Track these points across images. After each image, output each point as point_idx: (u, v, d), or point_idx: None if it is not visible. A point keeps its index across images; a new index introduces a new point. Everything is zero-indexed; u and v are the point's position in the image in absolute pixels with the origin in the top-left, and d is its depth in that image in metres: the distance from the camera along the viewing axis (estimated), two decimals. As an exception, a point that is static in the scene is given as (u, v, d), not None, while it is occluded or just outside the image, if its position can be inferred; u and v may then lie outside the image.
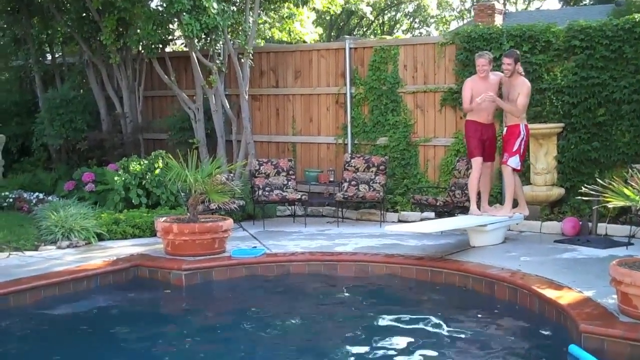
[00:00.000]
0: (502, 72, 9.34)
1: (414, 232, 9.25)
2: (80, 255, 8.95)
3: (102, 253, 9.03)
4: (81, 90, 14.47)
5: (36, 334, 6.85)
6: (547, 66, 10.58)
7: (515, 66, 9.18)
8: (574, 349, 5.78)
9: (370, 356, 6.04)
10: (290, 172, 11.45)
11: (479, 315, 7.16)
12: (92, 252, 9.09)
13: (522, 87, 9.19)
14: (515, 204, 9.54)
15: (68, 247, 9.36)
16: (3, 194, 11.97)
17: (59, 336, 6.79)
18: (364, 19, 35.71)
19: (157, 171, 11.15)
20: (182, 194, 10.12)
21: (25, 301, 7.49)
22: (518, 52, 9.53)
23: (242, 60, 12.37)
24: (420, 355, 6.03)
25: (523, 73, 9.40)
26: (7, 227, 9.97)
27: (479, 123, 9.42)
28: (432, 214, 10.77)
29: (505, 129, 9.40)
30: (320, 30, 23.35)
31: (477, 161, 9.42)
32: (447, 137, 11.48)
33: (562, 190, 10.35)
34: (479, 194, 9.53)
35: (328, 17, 19.34)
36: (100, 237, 9.75)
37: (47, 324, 7.15)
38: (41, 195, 12.03)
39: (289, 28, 15.37)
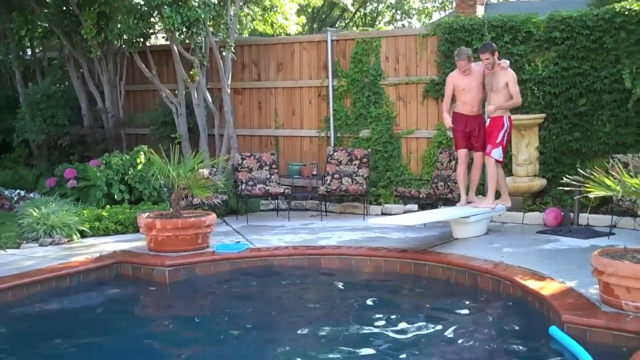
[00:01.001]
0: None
1: (397, 224, 9.26)
2: (62, 252, 8.90)
3: (85, 250, 8.98)
4: (62, 85, 14.37)
5: (18, 332, 6.81)
6: (528, 57, 10.61)
7: (493, 58, 9.19)
8: (554, 330, 5.82)
9: (354, 350, 6.04)
10: (273, 166, 11.43)
11: (462, 307, 7.19)
12: (74, 249, 9.04)
13: (507, 76, 9.22)
14: (497, 196, 9.57)
15: (50, 244, 9.30)
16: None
17: (41, 334, 6.75)
18: (346, 11, 35.65)
19: (140, 166, 11.11)
20: (165, 189, 10.09)
21: (7, 299, 7.43)
22: (492, 43, 9.55)
23: (224, 53, 12.32)
24: (403, 347, 6.04)
25: (503, 61, 9.41)
26: (-11, 223, 9.91)
27: (463, 115, 9.45)
28: (415, 207, 10.80)
29: (488, 120, 9.42)
30: (303, 19, 23.31)
31: (460, 153, 9.49)
32: (430, 129, 11.49)
33: (544, 181, 10.40)
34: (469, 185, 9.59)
35: (310, 9, 19.31)
36: (82, 234, 9.70)
37: (29, 323, 7.11)
38: (22, 192, 11.98)
39: (272, 20, 15.33)
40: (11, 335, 6.76)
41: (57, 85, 14.17)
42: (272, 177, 11.32)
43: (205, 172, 9.36)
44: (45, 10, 13.54)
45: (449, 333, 6.39)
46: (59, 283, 7.97)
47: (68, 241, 9.46)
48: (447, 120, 9.48)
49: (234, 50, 12.40)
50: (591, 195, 6.31)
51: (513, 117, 9.67)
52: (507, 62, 9.43)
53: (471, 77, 9.36)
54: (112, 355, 6.21)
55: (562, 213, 9.79)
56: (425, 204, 10.56)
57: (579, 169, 7.21)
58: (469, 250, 8.33)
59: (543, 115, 10.41)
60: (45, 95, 13.43)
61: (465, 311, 7.10)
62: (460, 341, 6.19)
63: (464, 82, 9.36)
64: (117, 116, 13.57)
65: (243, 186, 11.01)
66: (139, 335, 6.69)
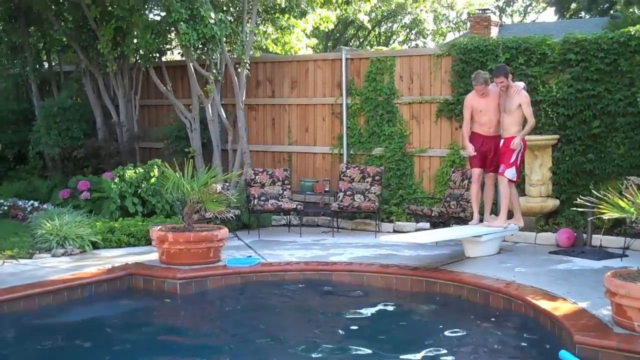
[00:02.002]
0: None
1: (409, 242, 9.26)
2: (74, 263, 8.93)
3: (97, 261, 9.01)
4: (78, 99, 14.48)
5: (30, 342, 6.83)
6: (542, 78, 10.63)
7: (508, 80, 9.23)
8: (564, 354, 5.79)
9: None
10: (286, 182, 11.46)
11: (474, 326, 7.17)
12: (86, 261, 9.07)
13: (521, 98, 9.23)
14: (510, 215, 9.56)
15: (63, 255, 9.33)
16: (-2, 201, 11.97)
17: (52, 344, 6.77)
18: (361, 29, 35.80)
19: (153, 180, 11.16)
20: (178, 202, 10.13)
21: (20, 309, 7.46)
22: (506, 65, 9.58)
23: (239, 70, 12.39)
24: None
25: (517, 84, 9.43)
26: (2, 235, 9.96)
27: (480, 135, 9.47)
28: (427, 225, 10.79)
29: (502, 140, 9.42)
30: (315, 41, 23.37)
31: (474, 172, 9.51)
32: (443, 148, 11.50)
33: (556, 202, 10.38)
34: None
35: (324, 29, 19.42)
36: (95, 246, 9.74)
37: (41, 333, 7.13)
38: (36, 204, 12.04)
39: (284, 41, 15.41)
40: (21, 345, 6.78)
41: (73, 98, 14.26)
42: (285, 192, 11.35)
43: (218, 186, 9.38)
44: (63, 25, 13.67)
45: (459, 352, 6.38)
46: (70, 294, 7.99)
47: (80, 252, 9.50)
48: (470, 149, 9.48)
49: (248, 67, 12.48)
50: (604, 217, 6.30)
51: (526, 137, 9.66)
52: (522, 84, 9.45)
53: (488, 98, 9.38)
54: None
55: (575, 234, 9.76)
56: (438, 222, 10.56)
57: (592, 191, 7.20)
58: (480, 269, 8.31)
59: (557, 136, 10.41)
60: (62, 108, 13.54)
61: (477, 330, 7.08)
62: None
63: (482, 104, 9.39)
64: (131, 130, 13.66)
65: (255, 201, 11.04)
66: (149, 347, 6.71)
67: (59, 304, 7.78)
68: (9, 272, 8.47)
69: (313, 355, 6.40)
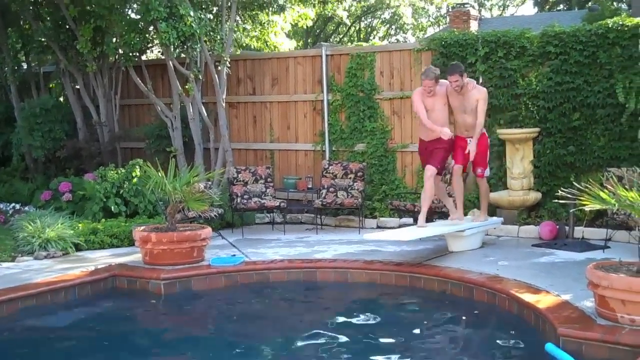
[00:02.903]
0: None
1: (392, 239, 9.28)
2: (58, 265, 8.89)
3: (80, 263, 8.97)
4: (58, 100, 14.38)
5: (13, 346, 6.79)
6: (522, 71, 10.66)
7: (462, 79, 8.98)
8: (550, 347, 5.82)
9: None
10: (269, 180, 11.45)
11: (457, 320, 7.21)
12: (70, 263, 9.03)
13: (480, 94, 9.07)
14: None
15: (45, 257, 9.28)
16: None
17: (35, 348, 6.73)
18: (341, 25, 35.78)
19: (135, 180, 11.12)
20: (160, 202, 10.10)
21: (2, 313, 7.41)
22: (460, 64, 9.45)
23: (219, 68, 12.36)
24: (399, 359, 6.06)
25: (472, 81, 9.30)
26: None
27: (422, 141, 9.44)
28: (411, 220, 10.79)
29: (471, 140, 9.25)
30: (294, 43, 23.32)
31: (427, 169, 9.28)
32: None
33: (538, 195, 10.43)
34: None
35: (303, 26, 19.31)
36: (77, 248, 9.69)
37: (24, 336, 7.09)
38: (18, 206, 11.96)
39: (265, 38, 15.38)
40: (4, 349, 6.73)
41: (54, 99, 14.17)
42: (268, 190, 11.33)
43: (201, 185, 9.36)
44: (42, 25, 13.58)
45: (443, 347, 6.41)
46: (54, 296, 7.95)
47: (63, 254, 9.46)
48: (446, 130, 9.04)
49: (229, 65, 12.44)
50: (586, 209, 6.33)
51: (507, 131, 9.68)
52: (474, 81, 9.38)
53: (436, 97, 9.14)
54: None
55: (557, 226, 9.82)
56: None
57: (573, 183, 7.24)
58: (464, 264, 8.34)
59: (537, 129, 10.46)
60: (43, 109, 13.45)
61: (461, 324, 7.12)
62: (454, 355, 6.20)
63: (428, 102, 9.16)
64: (112, 130, 13.59)
65: (238, 199, 11.02)
66: (133, 349, 6.69)
67: (42, 307, 7.74)
68: (-9, 275, 8.42)
69: (296, 353, 6.41)
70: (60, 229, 9.70)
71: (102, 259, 9.22)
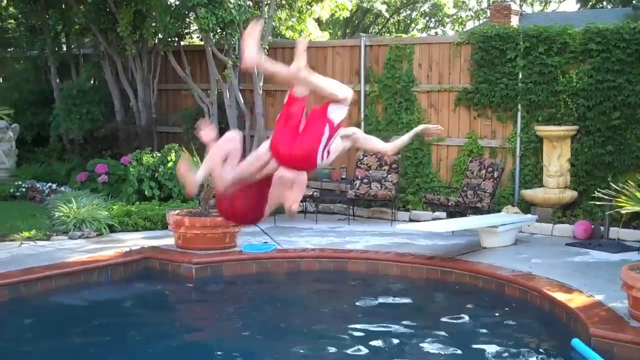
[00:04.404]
0: None
1: (425, 231, 9.24)
2: (91, 246, 8.98)
3: (113, 245, 9.05)
4: (96, 82, 14.52)
5: (46, 322, 6.89)
6: (562, 68, 10.54)
7: None
8: (577, 343, 5.77)
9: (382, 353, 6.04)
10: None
11: (488, 316, 7.16)
12: (103, 244, 9.11)
13: None
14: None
15: (80, 237, 9.39)
16: (16, 183, 12.03)
17: (69, 325, 6.82)
18: (379, 17, 35.64)
19: (170, 164, 11.18)
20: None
21: (37, 290, 7.51)
22: None
23: (257, 55, 12.32)
24: (425, 355, 6.03)
25: None
26: (20, 216, 10.02)
27: None
28: (444, 214, 10.76)
29: None
30: (327, 35, 23.22)
31: None
32: (461, 137, 11.44)
33: (574, 194, 10.32)
34: None
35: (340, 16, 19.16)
36: (111, 229, 9.78)
37: (58, 314, 7.18)
38: (54, 186, 12.10)
39: (301, 28, 15.34)
40: (37, 326, 6.83)
41: (92, 81, 14.30)
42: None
43: (235, 172, 9.36)
44: (83, 7, 13.69)
45: (473, 342, 6.37)
46: (87, 276, 8.03)
47: (97, 235, 9.55)
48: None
49: (267, 53, 12.44)
50: (623, 210, 6.25)
51: (545, 128, 9.53)
52: None
53: None
54: (134, 349, 6.26)
55: (592, 226, 9.71)
56: (454, 212, 10.52)
57: (610, 183, 7.15)
58: (496, 260, 8.28)
59: (576, 127, 10.34)
60: (81, 91, 13.58)
61: (491, 320, 7.07)
62: (484, 351, 6.16)
63: None
64: (149, 114, 13.68)
65: (272, 187, 11.01)
66: (164, 331, 6.74)
67: (76, 286, 7.83)
68: (27, 253, 8.53)
69: (324, 341, 6.42)
70: (94, 210, 9.80)
71: (135, 241, 9.29)
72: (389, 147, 5.45)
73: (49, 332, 6.64)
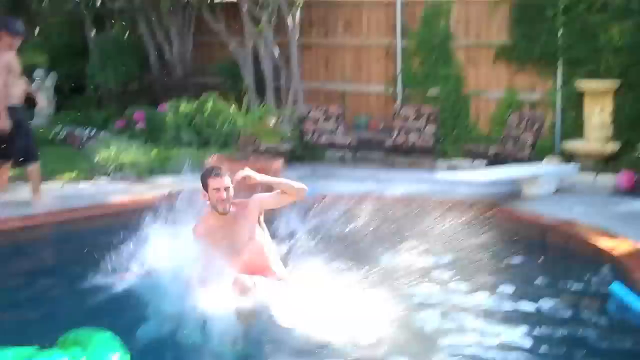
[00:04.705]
0: None
1: (465, 180, 9.17)
2: (132, 188, 9.02)
3: (154, 188, 9.08)
4: (132, 35, 14.52)
5: (88, 261, 6.90)
6: (605, 26, 10.37)
7: None
8: (615, 287, 5.72)
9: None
10: (340, 118, 11.40)
11: (529, 263, 7.08)
12: (143, 186, 9.15)
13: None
14: None
15: (120, 180, 9.43)
16: (55, 129, 12.09)
17: (111, 264, 6.80)
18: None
19: (207, 112, 11.17)
20: (232, 135, 10.14)
21: (79, 229, 7.56)
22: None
23: (293, 10, 12.28)
24: (470, 299, 6.00)
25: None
26: (60, 160, 10.08)
27: None
28: (484, 163, 10.62)
29: None
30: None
31: None
32: (499, 91, 11.35)
33: (616, 146, 10.19)
34: None
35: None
36: (151, 173, 9.81)
37: (100, 254, 7.19)
38: (93, 132, 12.13)
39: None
40: (80, 263, 6.84)
41: (127, 34, 14.30)
42: (339, 128, 11.29)
43: (272, 120, 9.38)
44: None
45: (514, 287, 6.31)
46: (128, 217, 8.05)
47: (137, 178, 9.58)
48: None
49: (302, 7, 12.37)
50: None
51: (587, 82, 9.42)
52: None
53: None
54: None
55: (635, 177, 9.57)
56: (494, 162, 10.39)
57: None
58: (538, 208, 8.21)
59: (618, 81, 10.21)
60: (116, 44, 13.59)
61: (532, 266, 7.00)
62: (525, 297, 6.09)
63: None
64: (184, 67, 13.67)
65: (309, 136, 11.02)
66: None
67: (117, 227, 7.85)
68: (70, 194, 8.60)
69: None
70: (134, 154, 9.84)
71: (175, 184, 9.30)
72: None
73: (89, 270, 6.63)
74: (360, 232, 7.39)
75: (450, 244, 7.58)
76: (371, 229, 7.37)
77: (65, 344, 4.10)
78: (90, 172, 9.63)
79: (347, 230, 7.32)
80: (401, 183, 9.72)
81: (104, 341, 4.13)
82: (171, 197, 7.41)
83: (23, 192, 8.58)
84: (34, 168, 8.22)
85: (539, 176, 8.92)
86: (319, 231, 6.72)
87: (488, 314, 5.64)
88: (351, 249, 6.90)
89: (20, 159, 8.11)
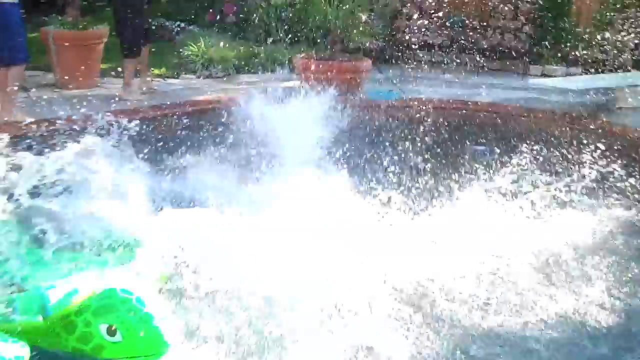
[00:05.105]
0: None
1: (558, 87, 8.83)
2: (218, 85, 9.07)
3: (240, 86, 9.09)
4: None
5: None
6: None
7: None
8: None
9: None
10: (434, 16, 11.03)
11: (621, 176, 6.81)
12: (229, 84, 9.18)
13: None
14: None
15: (207, 77, 9.48)
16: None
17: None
18: None
19: (299, 6, 10.98)
20: (322, 31, 9.97)
21: (166, 125, 7.65)
22: None
23: None
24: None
25: None
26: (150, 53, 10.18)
27: None
28: (579, 70, 10.21)
29: None
30: None
31: None
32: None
33: None
34: None
35: None
36: (238, 70, 9.82)
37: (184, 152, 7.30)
38: (182, 24, 12.15)
39: None
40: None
41: None
42: (431, 27, 10.95)
43: (363, 17, 9.15)
44: None
45: (603, 200, 6.10)
46: (214, 115, 8.13)
47: (224, 75, 9.62)
48: None
49: None
50: None
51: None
52: None
53: None
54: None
55: None
56: (589, 70, 9.95)
57: None
58: (632, 120, 7.85)
59: None
60: None
61: (622, 183, 6.74)
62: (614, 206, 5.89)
63: None
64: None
65: (400, 35, 10.74)
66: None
67: (203, 124, 7.94)
68: (157, 90, 8.70)
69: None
70: (222, 50, 9.83)
71: (262, 82, 9.29)
72: None
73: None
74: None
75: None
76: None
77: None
78: (179, 67, 9.69)
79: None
80: (490, 89, 9.42)
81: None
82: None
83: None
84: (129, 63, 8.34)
85: (637, 87, 8.47)
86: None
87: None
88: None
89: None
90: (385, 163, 6.15)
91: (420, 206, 5.27)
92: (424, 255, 4.52)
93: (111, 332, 3.08)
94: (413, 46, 10.80)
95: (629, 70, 9.43)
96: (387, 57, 10.92)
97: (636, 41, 9.64)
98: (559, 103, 8.72)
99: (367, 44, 9.47)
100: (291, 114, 6.65)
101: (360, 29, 8.98)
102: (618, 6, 10.37)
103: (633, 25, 9.68)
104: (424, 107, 8.45)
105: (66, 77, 8.35)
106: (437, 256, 4.52)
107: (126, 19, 8.03)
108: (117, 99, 8.04)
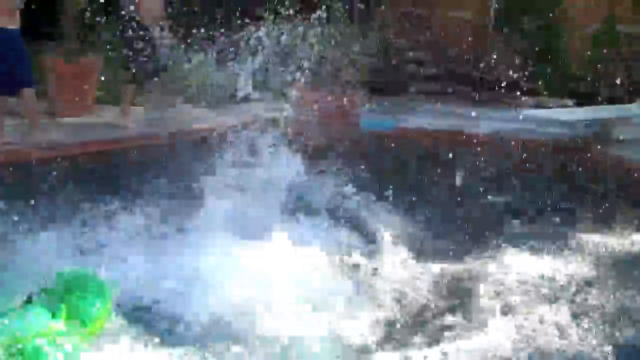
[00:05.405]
0: None
1: (552, 118, 8.87)
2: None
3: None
4: None
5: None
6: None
7: None
8: None
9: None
10: (428, 49, 11.08)
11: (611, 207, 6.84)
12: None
13: None
14: None
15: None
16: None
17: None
18: None
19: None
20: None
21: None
22: None
23: None
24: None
25: None
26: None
27: None
28: (573, 102, 10.26)
29: None
30: None
31: None
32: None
33: None
34: None
35: None
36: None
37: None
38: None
39: None
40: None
41: None
42: (425, 58, 10.96)
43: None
44: None
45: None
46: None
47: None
48: None
49: None
50: None
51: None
52: None
53: None
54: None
55: None
56: (583, 102, 10.00)
57: None
58: (626, 151, 7.89)
59: None
60: None
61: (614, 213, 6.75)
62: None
63: None
64: None
65: (395, 67, 10.78)
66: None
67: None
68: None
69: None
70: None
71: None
72: None
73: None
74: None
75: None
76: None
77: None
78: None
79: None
80: (484, 121, 9.45)
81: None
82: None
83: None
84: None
85: (631, 117, 8.52)
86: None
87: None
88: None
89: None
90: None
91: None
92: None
93: None
94: (407, 78, 10.88)
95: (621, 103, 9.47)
96: (381, 88, 10.94)
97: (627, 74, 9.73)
98: (553, 134, 8.73)
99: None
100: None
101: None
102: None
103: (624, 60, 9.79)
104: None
105: (61, 104, 8.41)
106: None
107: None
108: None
